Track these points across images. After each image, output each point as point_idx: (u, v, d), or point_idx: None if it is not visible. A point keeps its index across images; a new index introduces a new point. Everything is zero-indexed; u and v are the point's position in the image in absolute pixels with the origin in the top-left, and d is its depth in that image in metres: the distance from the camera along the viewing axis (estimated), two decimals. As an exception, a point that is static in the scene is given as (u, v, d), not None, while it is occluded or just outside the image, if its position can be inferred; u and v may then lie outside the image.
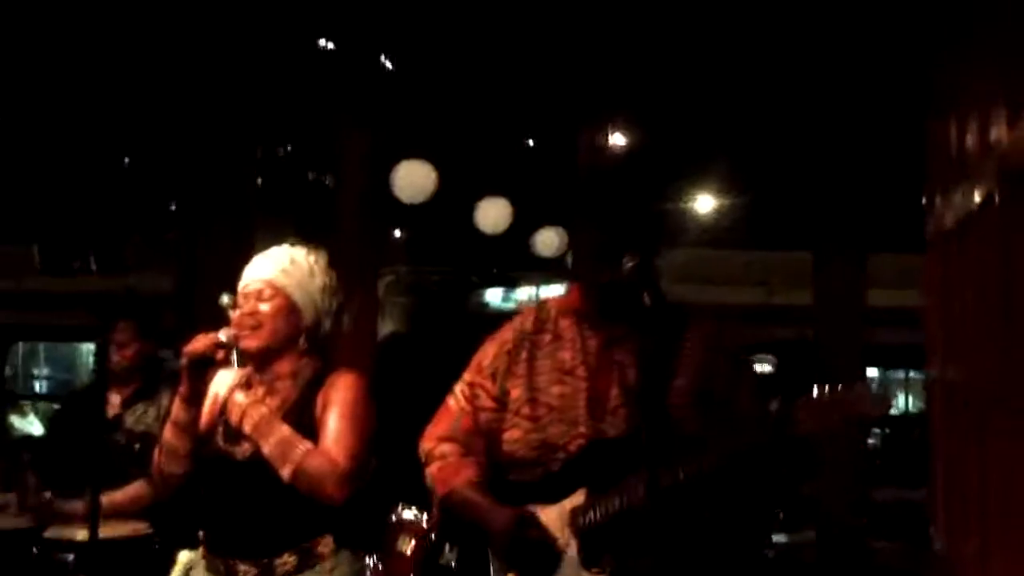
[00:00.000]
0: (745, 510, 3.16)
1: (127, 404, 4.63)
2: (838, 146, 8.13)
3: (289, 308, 3.20)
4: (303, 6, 7.54)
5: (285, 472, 3.06)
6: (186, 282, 7.38)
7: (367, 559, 4.93)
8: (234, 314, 3.19)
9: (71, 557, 4.14)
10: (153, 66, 8.13)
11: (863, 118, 7.97)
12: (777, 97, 8.60)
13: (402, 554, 4.90)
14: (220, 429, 3.22)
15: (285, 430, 3.11)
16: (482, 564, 3.10)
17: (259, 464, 3.09)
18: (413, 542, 4.89)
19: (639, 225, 3.05)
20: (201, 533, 3.27)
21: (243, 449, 3.16)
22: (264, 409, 3.15)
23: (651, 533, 2.86)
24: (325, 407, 3.17)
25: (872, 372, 14.70)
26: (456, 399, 3.26)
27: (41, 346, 20.42)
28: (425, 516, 4.94)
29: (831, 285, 8.34)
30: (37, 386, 20.52)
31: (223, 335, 3.18)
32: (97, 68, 8.88)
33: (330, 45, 7.82)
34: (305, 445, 3.08)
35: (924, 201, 5.26)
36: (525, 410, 3.10)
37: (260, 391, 3.23)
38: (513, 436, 3.12)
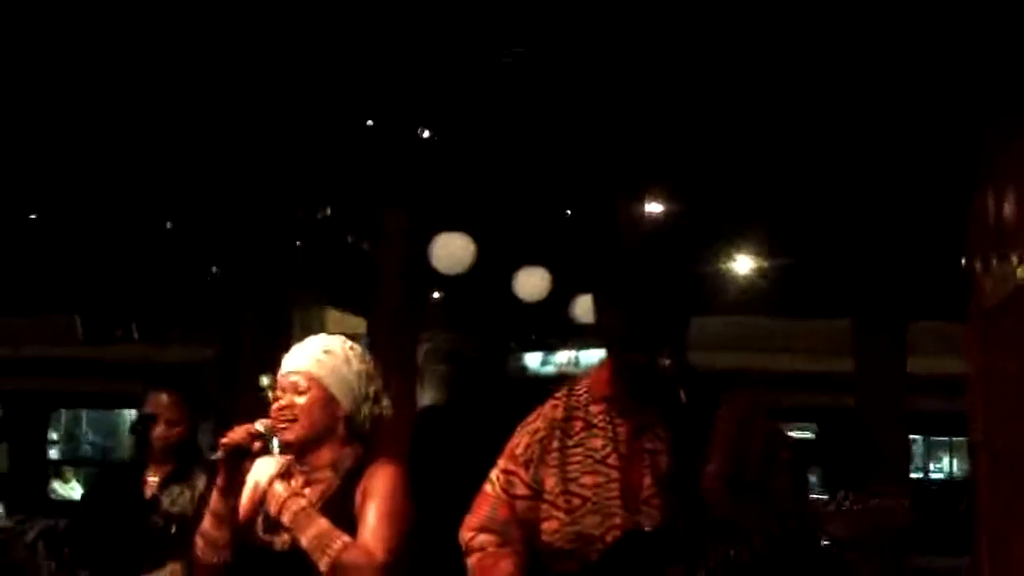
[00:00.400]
0: None
1: (163, 485, 4.61)
2: (879, 214, 8.10)
3: (326, 399, 3.20)
4: (342, 80, 7.62)
5: (322, 565, 3.05)
6: (227, 351, 7.43)
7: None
8: (272, 396, 3.20)
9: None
10: (195, 136, 8.23)
11: (904, 187, 7.95)
12: (818, 164, 8.59)
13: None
14: (260, 519, 3.22)
15: (323, 523, 3.10)
16: None
17: (298, 555, 3.09)
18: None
19: (672, 311, 3.04)
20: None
21: (282, 540, 3.15)
22: (302, 501, 3.15)
23: None
24: (364, 499, 3.16)
25: (915, 437, 14.53)
26: (493, 486, 3.23)
27: (84, 412, 20.56)
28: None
29: (872, 352, 8.28)
30: (79, 452, 20.63)
31: (260, 425, 3.19)
32: (141, 140, 9.00)
33: (370, 121, 7.89)
34: (342, 539, 3.07)
35: (964, 269, 5.22)
36: (559, 501, 3.07)
37: (299, 481, 3.23)
38: (551, 527, 3.09)
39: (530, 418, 3.23)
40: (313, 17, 6.89)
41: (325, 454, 3.22)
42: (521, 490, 3.15)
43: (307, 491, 3.20)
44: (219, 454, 3.12)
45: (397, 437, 7.78)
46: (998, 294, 4.54)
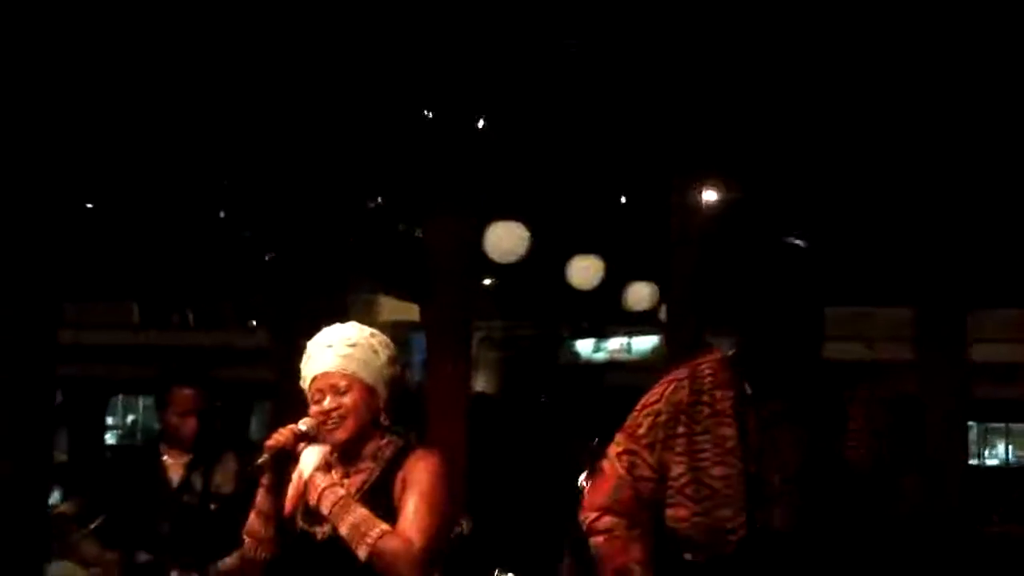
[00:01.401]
0: None
1: (191, 467, 4.65)
2: (942, 200, 8.00)
3: (367, 393, 3.22)
4: (397, 68, 7.63)
5: (361, 553, 3.06)
6: (282, 337, 7.45)
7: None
8: (314, 407, 3.21)
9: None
10: (251, 124, 8.27)
11: (967, 173, 7.84)
12: (880, 150, 8.50)
13: (500, 617, 4.87)
14: (301, 508, 3.25)
15: (361, 512, 3.11)
16: None
17: (338, 544, 3.10)
18: (511, 605, 4.86)
19: (813, 298, 2.97)
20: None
21: (323, 530, 3.17)
22: (341, 491, 3.16)
23: None
24: (404, 488, 3.16)
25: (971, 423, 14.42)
26: (613, 465, 3.15)
27: (140, 399, 20.85)
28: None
29: (934, 340, 8.18)
30: (136, 438, 20.92)
31: (303, 425, 3.20)
32: (198, 128, 9.07)
33: (425, 110, 7.89)
34: (381, 527, 3.08)
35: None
36: (688, 491, 2.99)
37: (339, 472, 3.25)
38: (678, 515, 3.00)
39: (651, 398, 3.11)
40: (369, 4, 6.89)
41: (367, 445, 3.24)
42: (645, 471, 3.06)
43: (347, 481, 3.22)
44: (264, 457, 3.14)
45: (452, 424, 7.82)
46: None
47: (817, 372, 2.92)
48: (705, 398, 3.02)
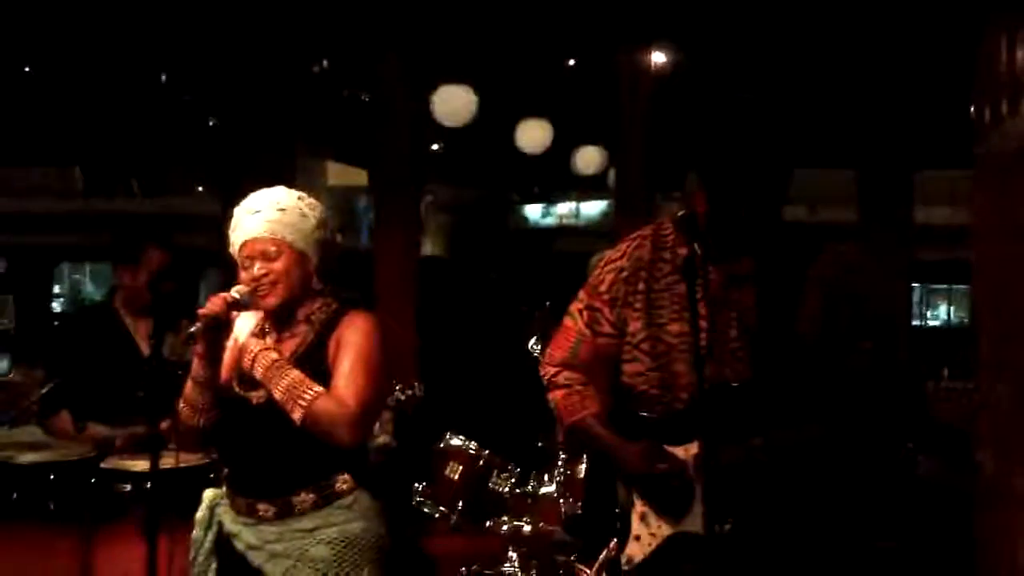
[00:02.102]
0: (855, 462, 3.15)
1: (156, 332, 4.58)
2: (883, 60, 8.00)
3: (298, 257, 3.20)
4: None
5: (296, 416, 3.07)
6: (230, 204, 7.40)
7: (415, 484, 4.99)
8: (243, 274, 3.19)
9: (128, 487, 4.18)
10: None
11: (909, 30, 7.82)
12: (821, 9, 8.45)
13: (450, 480, 4.95)
14: (236, 374, 3.25)
15: (295, 375, 3.11)
16: (608, 490, 3.13)
17: (273, 408, 3.12)
18: (460, 468, 4.94)
19: (777, 160, 2.98)
20: (223, 472, 3.32)
21: (258, 394, 3.18)
22: (274, 355, 3.17)
23: (771, 488, 2.85)
24: (338, 350, 3.17)
25: (914, 286, 14.63)
26: (575, 321, 3.21)
27: (87, 266, 20.69)
28: (472, 443, 4.98)
29: (876, 203, 8.26)
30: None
31: (236, 293, 3.17)
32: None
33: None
34: (315, 389, 3.09)
35: (972, 117, 5.15)
36: (644, 346, 3.05)
37: (273, 337, 3.26)
38: (634, 369, 3.09)
39: (614, 254, 3.16)
40: None
41: (300, 309, 3.24)
42: (606, 327, 3.13)
43: (280, 346, 3.23)
44: (197, 325, 3.12)
45: (403, 286, 7.85)
46: (1009, 144, 4.50)
47: (778, 233, 2.94)
48: (666, 255, 3.07)
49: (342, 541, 3.14)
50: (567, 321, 3.23)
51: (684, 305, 2.96)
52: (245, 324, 3.28)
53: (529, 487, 4.89)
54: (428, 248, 16.10)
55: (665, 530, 3.02)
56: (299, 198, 3.22)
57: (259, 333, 3.26)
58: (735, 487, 2.87)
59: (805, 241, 3.03)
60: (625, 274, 3.10)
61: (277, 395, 3.09)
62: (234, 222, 3.19)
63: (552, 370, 3.24)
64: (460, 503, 4.90)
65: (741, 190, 2.89)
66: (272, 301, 3.16)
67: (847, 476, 3.13)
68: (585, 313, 3.18)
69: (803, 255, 3.01)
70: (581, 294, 3.20)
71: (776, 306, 2.94)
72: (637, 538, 3.06)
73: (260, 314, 3.27)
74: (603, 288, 3.14)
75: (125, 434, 4.44)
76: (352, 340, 3.16)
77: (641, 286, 3.08)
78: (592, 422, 3.15)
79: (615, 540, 3.10)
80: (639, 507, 3.06)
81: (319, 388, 3.08)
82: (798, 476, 2.93)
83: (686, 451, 2.99)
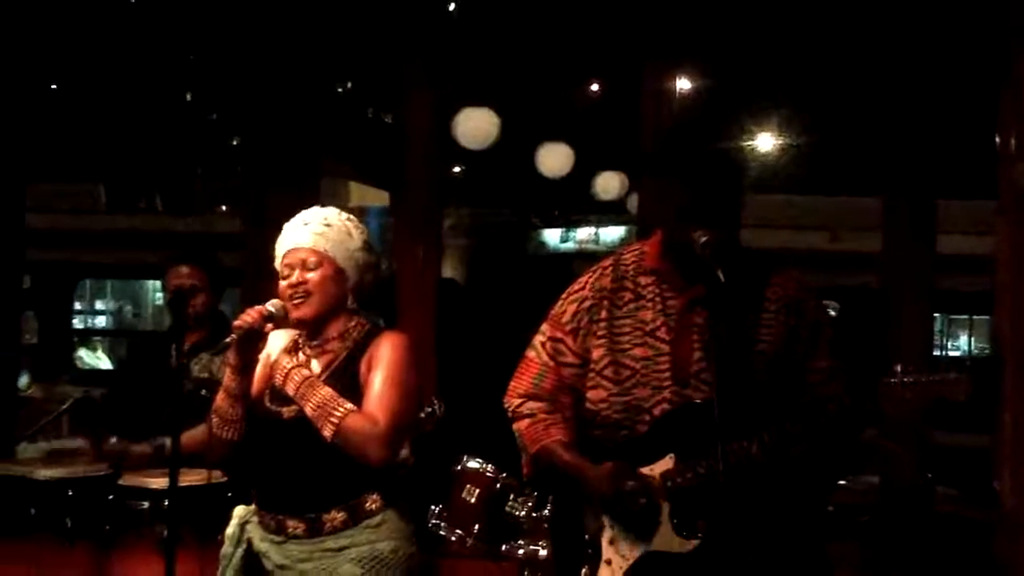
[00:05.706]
0: (819, 475, 3.18)
1: (192, 352, 4.60)
2: (909, 88, 7.97)
3: (336, 272, 3.23)
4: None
5: (327, 432, 3.09)
6: (254, 222, 7.42)
7: (431, 507, 4.98)
8: (282, 283, 3.21)
9: (146, 504, 4.18)
10: (220, 6, 8.14)
11: (935, 58, 7.81)
12: (846, 36, 8.45)
13: (467, 503, 4.93)
14: (268, 389, 3.26)
15: (326, 392, 3.13)
16: (575, 520, 3.14)
17: (305, 424, 3.13)
18: (477, 491, 4.92)
19: (729, 185, 3.02)
20: (253, 490, 3.32)
21: (290, 409, 3.20)
22: (306, 372, 3.19)
23: (739, 502, 2.86)
24: (370, 368, 3.19)
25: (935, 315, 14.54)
26: (538, 353, 3.26)
27: (108, 283, 20.71)
28: (490, 466, 4.96)
29: (900, 231, 8.20)
30: (103, 321, 20.85)
31: (271, 306, 3.21)
32: (166, 8, 8.92)
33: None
34: (346, 406, 3.11)
35: (998, 146, 5.12)
36: (608, 372, 3.10)
37: (307, 353, 3.27)
38: (598, 395, 3.13)
39: (575, 286, 3.24)
40: None
41: (335, 327, 3.26)
42: (569, 358, 3.20)
43: (314, 363, 3.24)
44: (232, 337, 3.14)
45: (423, 308, 7.84)
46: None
47: (736, 258, 2.97)
48: (628, 283, 3.16)
49: (371, 560, 3.16)
50: (530, 354, 3.30)
51: (646, 331, 3.07)
52: (278, 341, 3.31)
53: (546, 511, 4.87)
54: (448, 271, 16.11)
55: (636, 552, 3.05)
56: (348, 219, 3.29)
57: (292, 350, 3.28)
58: (701, 503, 2.95)
59: (760, 264, 3.12)
60: (588, 303, 3.18)
61: (309, 411, 3.12)
62: (282, 235, 3.23)
63: (516, 401, 3.29)
64: (476, 526, 4.89)
65: (706, 218, 2.96)
66: (305, 311, 3.19)
67: (810, 489, 3.17)
68: (548, 345, 3.24)
69: (759, 278, 3.09)
70: (544, 327, 3.29)
71: (736, 328, 2.99)
72: (608, 562, 3.08)
73: (293, 331, 3.29)
74: (565, 319, 3.21)
75: (139, 450, 4.46)
76: (384, 359, 3.19)
77: (603, 314, 3.15)
78: (557, 448, 3.18)
79: (586, 568, 3.12)
80: (608, 532, 3.09)
81: (350, 405, 3.10)
82: (762, 490, 2.96)
83: (651, 471, 3.03)
